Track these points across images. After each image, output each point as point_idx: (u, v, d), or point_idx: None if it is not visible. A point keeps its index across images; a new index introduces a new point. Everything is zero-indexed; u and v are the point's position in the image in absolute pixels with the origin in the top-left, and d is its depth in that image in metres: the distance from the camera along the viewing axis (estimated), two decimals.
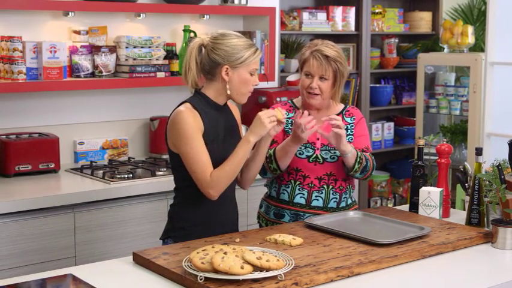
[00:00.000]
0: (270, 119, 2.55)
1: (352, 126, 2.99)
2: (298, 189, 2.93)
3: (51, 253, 3.23)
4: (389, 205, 5.63)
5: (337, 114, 2.98)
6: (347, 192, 3.00)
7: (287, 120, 2.90)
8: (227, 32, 2.65)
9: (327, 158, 2.92)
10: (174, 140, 2.61)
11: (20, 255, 3.15)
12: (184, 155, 2.58)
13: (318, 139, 2.93)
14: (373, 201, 5.69)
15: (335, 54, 2.89)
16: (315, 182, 2.92)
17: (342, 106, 3.04)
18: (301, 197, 2.93)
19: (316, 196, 2.92)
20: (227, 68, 2.60)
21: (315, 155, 2.92)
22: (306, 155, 2.92)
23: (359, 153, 2.86)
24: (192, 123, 2.56)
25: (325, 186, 2.92)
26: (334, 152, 2.92)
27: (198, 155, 2.55)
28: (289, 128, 2.94)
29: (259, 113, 2.56)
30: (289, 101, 3.07)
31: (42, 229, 3.20)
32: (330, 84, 2.89)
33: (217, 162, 2.59)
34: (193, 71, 2.64)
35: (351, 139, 2.97)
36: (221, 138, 2.65)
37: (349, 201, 3.02)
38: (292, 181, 2.94)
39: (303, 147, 2.92)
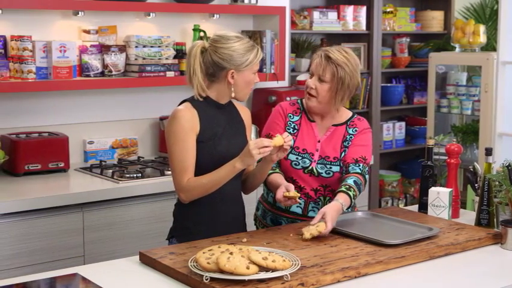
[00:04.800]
0: (259, 150, 2.48)
1: (352, 137, 2.87)
2: None
3: (59, 252, 3.24)
4: (400, 205, 5.60)
5: (341, 124, 2.89)
6: None
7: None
8: (227, 35, 2.64)
9: (322, 173, 2.83)
10: (165, 136, 2.65)
11: (29, 254, 3.16)
12: (169, 153, 2.63)
13: (317, 150, 2.85)
14: (384, 202, 5.67)
15: (341, 58, 2.77)
16: (311, 194, 2.84)
17: (348, 114, 2.94)
18: (297, 207, 2.86)
19: (312, 207, 2.85)
20: (233, 72, 2.62)
21: (310, 167, 2.83)
22: (302, 166, 2.83)
23: (351, 195, 2.68)
24: (184, 125, 2.59)
25: (321, 198, 2.85)
26: (330, 168, 2.83)
27: (182, 157, 2.59)
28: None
29: (250, 142, 2.50)
30: (298, 101, 2.99)
31: (51, 228, 3.21)
32: (327, 87, 2.79)
33: (213, 158, 2.61)
34: (198, 75, 2.65)
35: (347, 144, 2.86)
36: (219, 136, 2.65)
37: None
38: None
39: (299, 158, 2.84)
